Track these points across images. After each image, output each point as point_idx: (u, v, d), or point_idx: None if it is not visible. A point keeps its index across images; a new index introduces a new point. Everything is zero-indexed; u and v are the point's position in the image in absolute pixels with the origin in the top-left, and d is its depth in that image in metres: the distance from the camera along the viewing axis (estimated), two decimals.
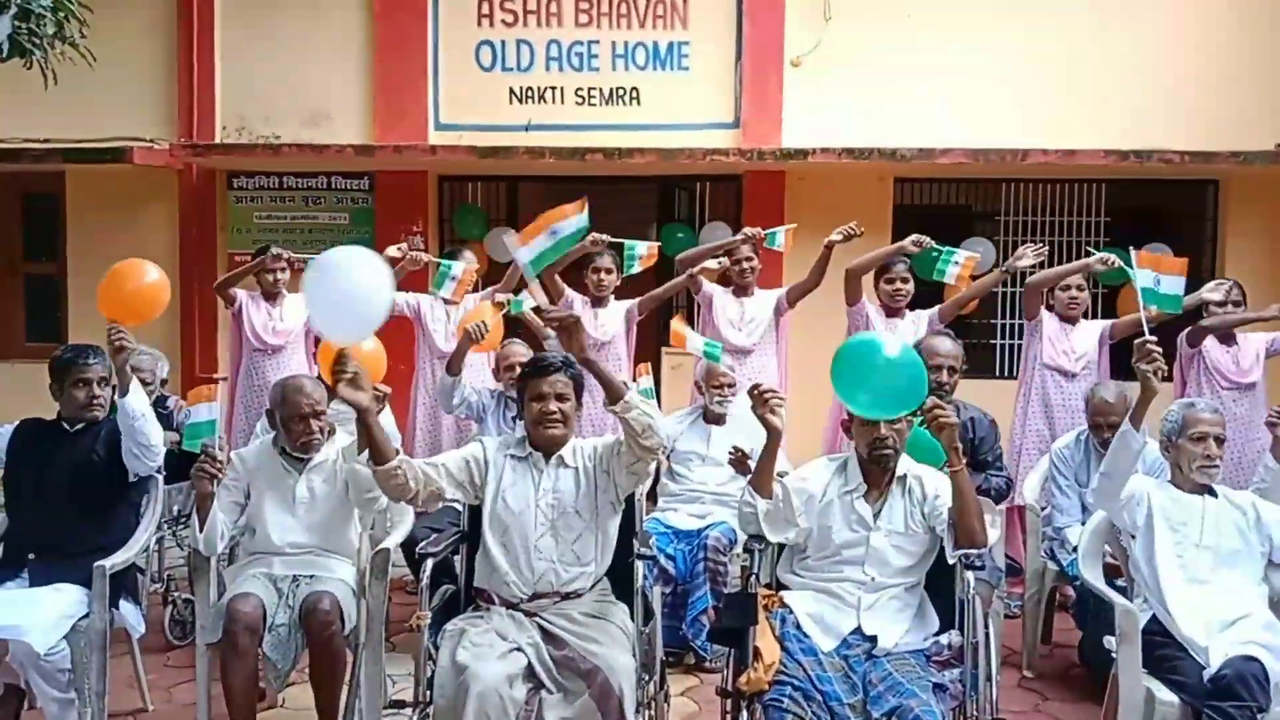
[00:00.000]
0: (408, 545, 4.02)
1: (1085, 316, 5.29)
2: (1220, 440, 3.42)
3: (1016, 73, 7.30)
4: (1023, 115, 7.23)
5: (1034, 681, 4.40)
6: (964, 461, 3.02)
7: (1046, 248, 5.30)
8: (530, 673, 2.94)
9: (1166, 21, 7.26)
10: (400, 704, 3.37)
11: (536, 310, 4.81)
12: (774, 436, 3.13)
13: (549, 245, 3.48)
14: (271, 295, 5.68)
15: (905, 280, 5.27)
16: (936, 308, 5.33)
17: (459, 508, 3.58)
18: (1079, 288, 5.22)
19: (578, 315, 3.08)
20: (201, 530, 3.48)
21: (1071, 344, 5.19)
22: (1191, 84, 7.18)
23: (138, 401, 3.66)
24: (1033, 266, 5.17)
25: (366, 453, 3.00)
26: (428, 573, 3.11)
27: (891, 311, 5.31)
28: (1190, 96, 7.18)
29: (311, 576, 3.58)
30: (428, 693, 3.00)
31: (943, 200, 7.88)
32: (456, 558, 3.41)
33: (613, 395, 2.99)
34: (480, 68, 7.61)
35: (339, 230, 7.82)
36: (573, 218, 3.50)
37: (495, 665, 2.88)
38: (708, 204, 7.93)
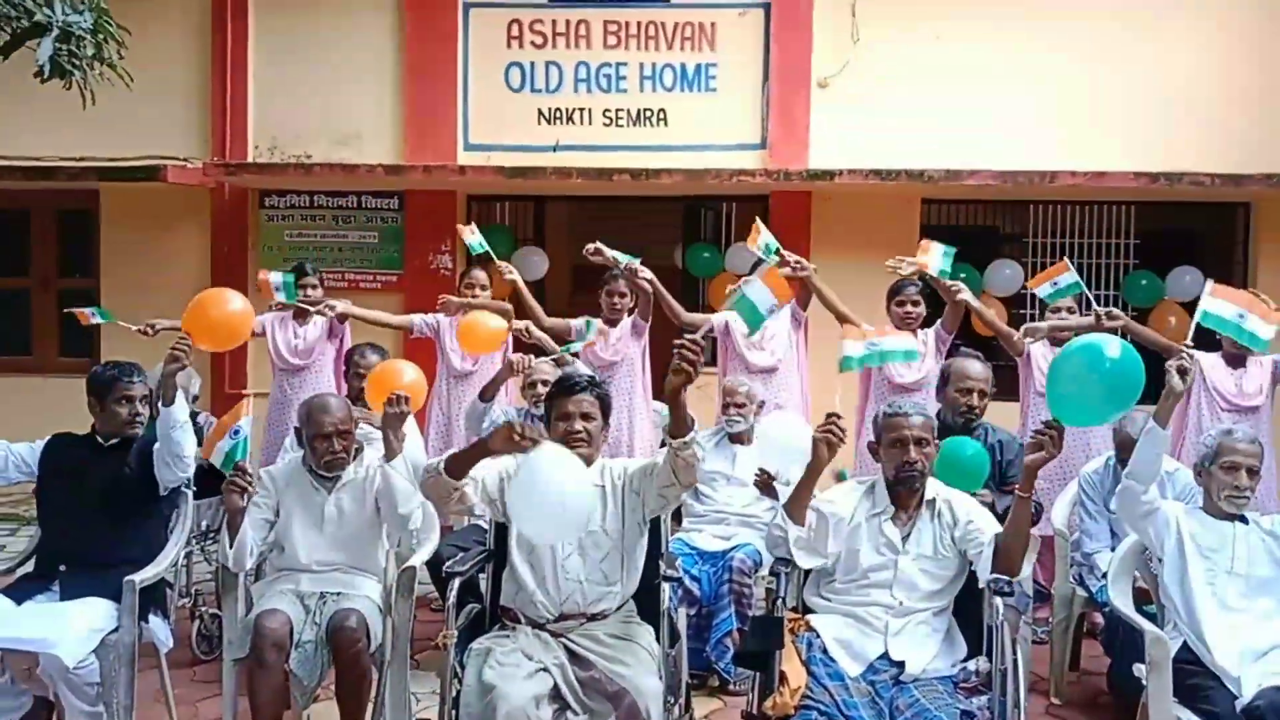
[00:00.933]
0: (434, 563, 4.02)
1: None
2: (1253, 472, 3.38)
3: (1045, 94, 7.28)
4: (1052, 137, 7.20)
5: (1062, 709, 4.34)
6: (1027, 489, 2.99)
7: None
8: (556, 694, 2.94)
9: (1196, 44, 7.22)
10: None
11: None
12: (818, 466, 3.12)
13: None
14: (301, 315, 5.73)
15: (916, 303, 5.24)
16: (939, 322, 5.30)
17: (484, 526, 3.60)
18: (1069, 309, 5.19)
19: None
20: (231, 546, 3.51)
21: None
22: (1222, 106, 7.14)
23: (180, 411, 3.72)
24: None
25: (441, 462, 3.04)
26: (454, 591, 3.12)
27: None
28: (1221, 119, 7.14)
29: (339, 594, 3.59)
30: (453, 712, 2.99)
31: (971, 221, 7.86)
32: (482, 576, 3.42)
33: (679, 430, 2.93)
34: (509, 89, 7.69)
35: (368, 249, 7.89)
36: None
37: (522, 685, 2.87)
38: (734, 224, 7.94)
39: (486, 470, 3.20)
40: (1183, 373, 3.30)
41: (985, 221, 7.96)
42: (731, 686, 4.32)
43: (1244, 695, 2.97)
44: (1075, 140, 7.19)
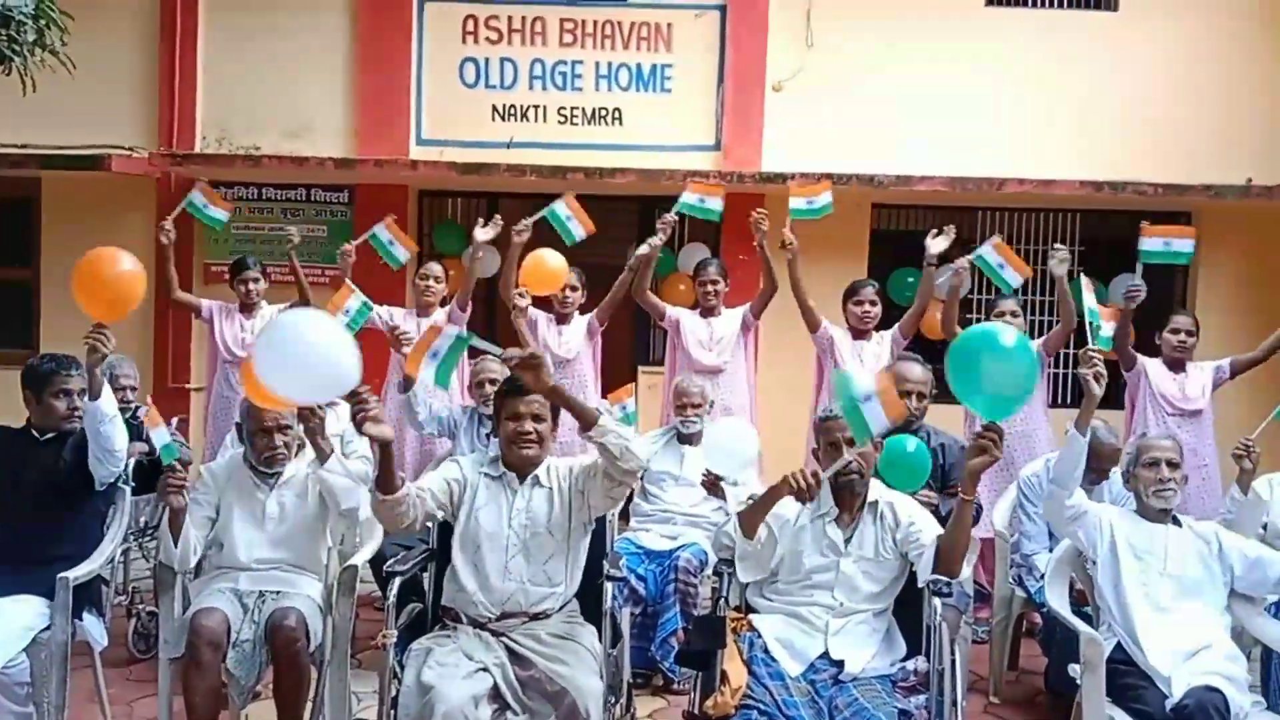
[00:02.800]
0: (376, 562, 4.00)
1: None
2: (1173, 464, 3.47)
3: (995, 103, 7.38)
4: (1001, 145, 7.31)
5: (1000, 708, 4.41)
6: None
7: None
8: (496, 693, 2.93)
9: (1142, 56, 7.36)
10: None
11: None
12: (777, 494, 3.11)
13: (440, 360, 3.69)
14: (248, 307, 5.65)
15: (874, 303, 5.33)
16: (897, 325, 5.37)
17: (428, 525, 3.57)
18: (1013, 313, 5.28)
19: (538, 352, 3.02)
20: (176, 546, 3.44)
21: None
22: (1166, 118, 7.29)
23: (108, 405, 3.63)
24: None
25: (374, 480, 2.98)
26: (394, 591, 3.09)
27: (859, 334, 5.35)
28: (1165, 130, 7.28)
29: (278, 593, 3.55)
30: (392, 712, 2.98)
31: (920, 227, 7.93)
32: (425, 575, 3.40)
33: (585, 423, 2.96)
34: (464, 84, 7.63)
35: (316, 243, 7.78)
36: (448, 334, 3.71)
37: (461, 685, 2.86)
38: (687, 225, 7.93)
39: (431, 479, 3.20)
40: (1098, 379, 3.38)
41: (935, 227, 8.00)
42: (676, 685, 4.34)
43: (1174, 695, 3.04)
44: (1024, 149, 7.30)
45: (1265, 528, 4.04)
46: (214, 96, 7.70)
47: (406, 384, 4.78)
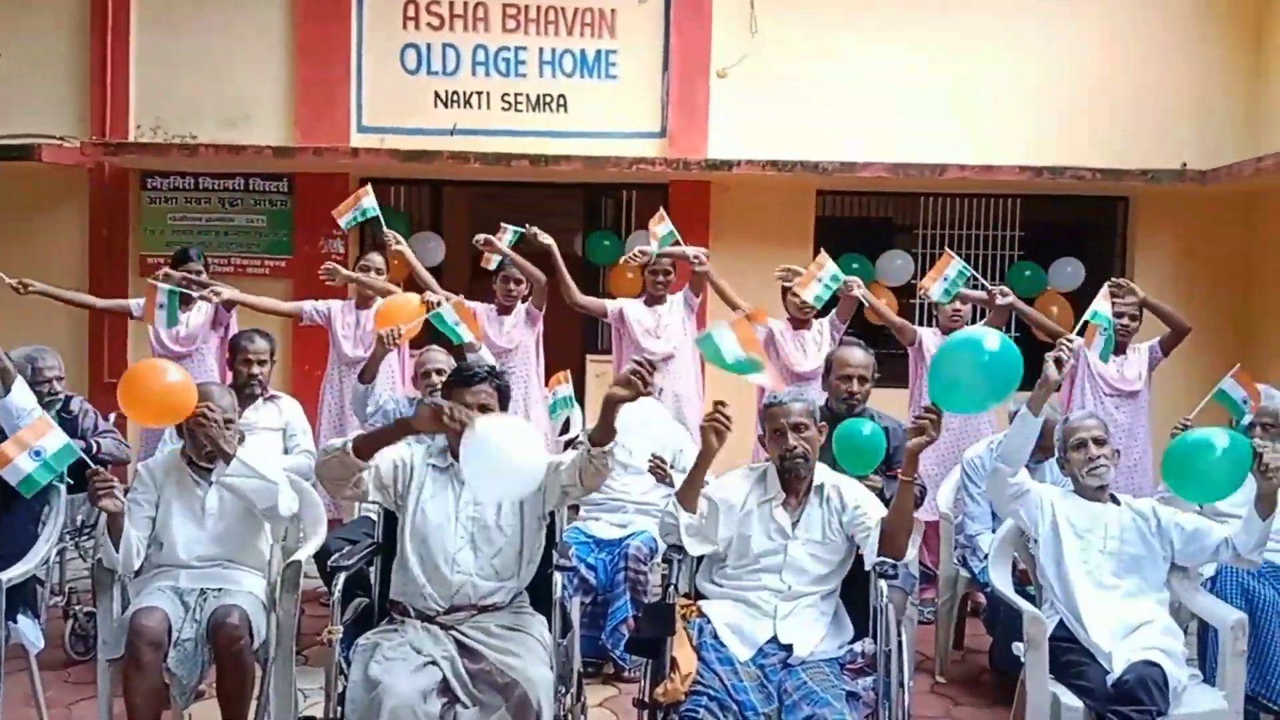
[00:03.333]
0: (321, 556, 3.92)
1: None
2: (1099, 441, 3.52)
3: (938, 89, 7.44)
4: (943, 131, 7.37)
5: (946, 687, 4.48)
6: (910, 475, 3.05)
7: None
8: (445, 687, 2.90)
9: (1081, 42, 7.46)
10: (311, 719, 3.29)
11: None
12: (709, 454, 3.14)
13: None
14: (186, 302, 5.53)
15: None
16: (833, 311, 5.41)
17: (374, 518, 3.53)
18: (961, 301, 5.36)
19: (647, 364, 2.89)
20: (118, 551, 3.35)
21: None
22: (1104, 103, 7.39)
23: (21, 399, 3.53)
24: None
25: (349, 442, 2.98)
26: (339, 586, 3.04)
27: (799, 324, 5.38)
28: (1103, 116, 7.39)
29: (220, 590, 3.48)
30: (339, 709, 2.94)
31: (864, 213, 8.01)
32: (371, 569, 3.35)
33: (604, 438, 2.91)
34: (405, 70, 7.52)
35: (256, 233, 7.65)
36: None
37: (409, 680, 2.83)
38: (634, 212, 7.94)
39: (381, 457, 3.14)
40: (1059, 363, 3.43)
41: (878, 213, 8.10)
42: (626, 674, 4.34)
43: (1114, 670, 3.11)
44: (965, 135, 7.37)
45: (1200, 505, 4.14)
46: (148, 84, 7.51)
47: (370, 377, 4.74)
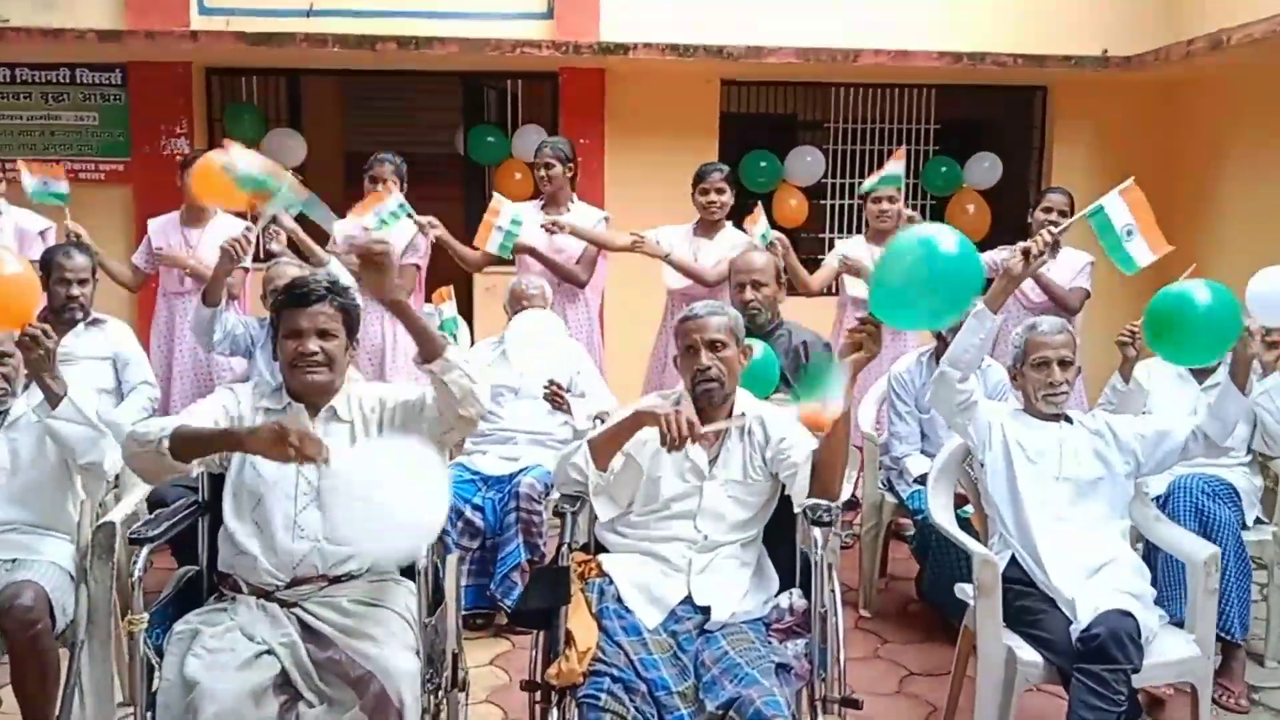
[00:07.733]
0: (157, 507, 3.30)
1: None
2: (1065, 363, 3.06)
3: None
4: (854, 16, 6.79)
5: (871, 622, 4.12)
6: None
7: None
8: (285, 681, 2.34)
9: None
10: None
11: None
12: (639, 423, 2.63)
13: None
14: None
15: (721, 190, 4.72)
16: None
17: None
18: (890, 199, 4.85)
19: (390, 245, 2.45)
20: None
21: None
22: None
23: None
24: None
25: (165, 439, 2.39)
26: (141, 563, 2.41)
27: (708, 225, 4.79)
28: (1022, 2, 6.92)
29: (14, 561, 2.89)
30: (149, 714, 2.35)
31: (770, 109, 7.44)
32: (199, 532, 2.73)
33: (428, 351, 2.44)
34: None
35: (87, 133, 6.69)
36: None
37: (235, 678, 2.26)
38: (520, 105, 7.20)
39: (205, 408, 2.58)
40: (1027, 255, 2.98)
41: (785, 109, 7.55)
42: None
43: (1079, 619, 2.67)
44: (878, 20, 6.80)
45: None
46: None
47: (215, 298, 4.07)
